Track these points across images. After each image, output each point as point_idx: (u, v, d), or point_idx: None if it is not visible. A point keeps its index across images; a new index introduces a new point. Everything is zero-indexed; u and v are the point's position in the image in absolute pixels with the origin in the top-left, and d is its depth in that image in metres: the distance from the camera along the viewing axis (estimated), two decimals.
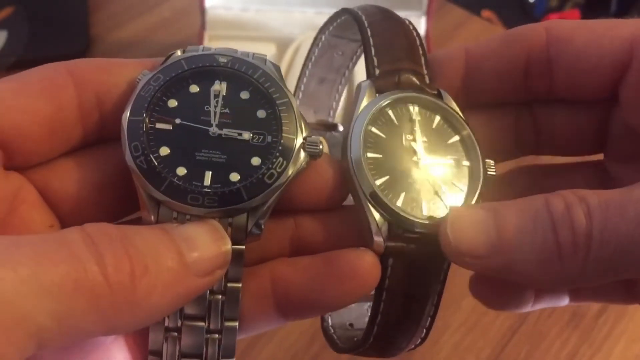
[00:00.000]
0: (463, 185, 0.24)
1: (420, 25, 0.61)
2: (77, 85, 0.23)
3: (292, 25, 0.59)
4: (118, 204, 0.24)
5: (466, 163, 0.24)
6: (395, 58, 0.25)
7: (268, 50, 0.59)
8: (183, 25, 0.68)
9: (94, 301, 0.17)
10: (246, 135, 0.22)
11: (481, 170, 0.24)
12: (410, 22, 0.27)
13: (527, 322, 0.49)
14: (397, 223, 0.23)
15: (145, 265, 0.17)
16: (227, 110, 0.23)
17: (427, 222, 0.23)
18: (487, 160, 0.24)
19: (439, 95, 0.25)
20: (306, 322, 0.48)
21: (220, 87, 0.23)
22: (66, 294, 0.16)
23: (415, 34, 0.26)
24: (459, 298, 0.50)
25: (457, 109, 0.25)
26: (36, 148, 0.23)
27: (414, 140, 0.24)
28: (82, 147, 0.24)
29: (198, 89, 0.23)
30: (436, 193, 0.23)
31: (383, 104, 0.24)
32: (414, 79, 0.25)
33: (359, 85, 0.25)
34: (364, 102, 0.24)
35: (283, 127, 0.23)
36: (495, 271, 0.21)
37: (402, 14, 0.60)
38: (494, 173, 0.24)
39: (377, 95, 0.24)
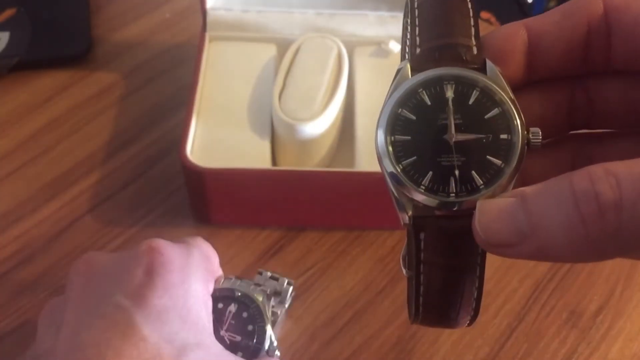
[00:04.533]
0: (498, 159, 0.23)
1: None
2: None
3: (293, 26, 0.60)
4: None
5: (504, 136, 0.23)
6: (439, 34, 0.24)
7: (269, 51, 0.59)
8: (184, 26, 0.68)
9: None
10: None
11: (520, 142, 0.23)
12: None
13: (526, 321, 0.49)
14: (423, 202, 0.23)
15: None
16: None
17: (454, 199, 0.22)
18: (532, 128, 0.24)
19: (483, 67, 0.24)
20: (306, 322, 0.48)
21: None
22: None
23: (470, 5, 0.25)
24: None
25: (503, 80, 0.24)
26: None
27: (448, 118, 0.23)
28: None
29: None
30: (468, 169, 0.23)
31: (414, 85, 0.24)
32: (456, 52, 0.24)
33: (398, 69, 0.24)
34: (397, 84, 0.24)
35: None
36: (529, 256, 0.21)
37: (401, 14, 0.61)
38: (539, 142, 0.23)
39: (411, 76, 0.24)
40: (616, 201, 0.18)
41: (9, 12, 0.67)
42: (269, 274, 0.45)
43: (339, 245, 0.52)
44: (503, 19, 1.40)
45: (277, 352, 0.41)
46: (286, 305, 0.45)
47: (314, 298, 0.49)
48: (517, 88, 0.25)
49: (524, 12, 1.51)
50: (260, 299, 0.41)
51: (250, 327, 0.40)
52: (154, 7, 0.71)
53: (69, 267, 0.37)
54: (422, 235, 0.23)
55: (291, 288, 0.45)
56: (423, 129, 0.23)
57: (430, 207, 0.23)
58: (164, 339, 0.31)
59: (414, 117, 0.23)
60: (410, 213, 0.23)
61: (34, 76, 0.63)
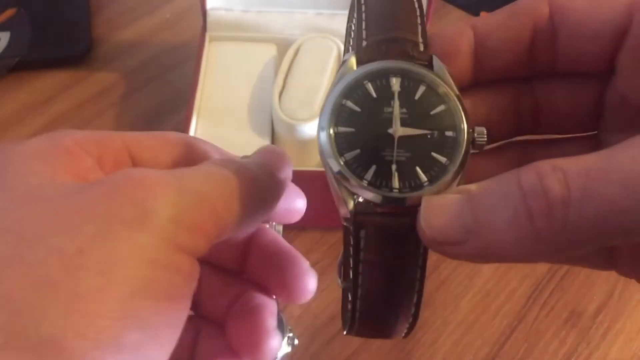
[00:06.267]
0: (443, 156, 0.22)
1: None
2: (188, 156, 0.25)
3: (293, 26, 0.60)
4: None
5: (449, 133, 0.23)
6: (386, 28, 0.24)
7: (269, 51, 0.59)
8: (184, 26, 0.68)
9: (232, 193, 0.21)
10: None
11: (465, 140, 0.22)
12: None
13: (525, 321, 0.49)
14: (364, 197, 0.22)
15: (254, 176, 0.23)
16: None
17: (397, 195, 0.22)
18: (477, 127, 0.23)
19: (430, 64, 0.23)
20: (306, 322, 0.48)
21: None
22: (230, 196, 0.21)
23: (416, 3, 0.25)
24: (457, 297, 0.51)
25: (449, 78, 0.23)
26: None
27: (393, 111, 0.23)
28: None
29: None
30: (411, 165, 0.22)
31: (359, 76, 0.23)
32: (403, 47, 0.23)
33: (343, 61, 0.24)
34: (342, 75, 0.23)
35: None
36: (475, 255, 0.20)
37: None
38: (484, 141, 0.23)
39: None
40: (564, 197, 0.18)
41: (9, 12, 0.67)
42: None
43: (339, 245, 0.52)
44: None
45: (296, 341, 0.45)
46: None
47: (314, 298, 0.49)
48: (464, 89, 0.25)
49: None
50: (274, 296, 0.43)
51: None
52: (154, 7, 0.71)
53: None
54: (362, 233, 0.22)
55: None
56: (367, 121, 0.23)
57: (373, 202, 0.22)
58: None
59: (358, 109, 0.23)
60: (351, 208, 0.22)
61: (34, 76, 0.63)
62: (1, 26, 0.65)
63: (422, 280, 0.23)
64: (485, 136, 0.23)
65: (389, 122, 0.22)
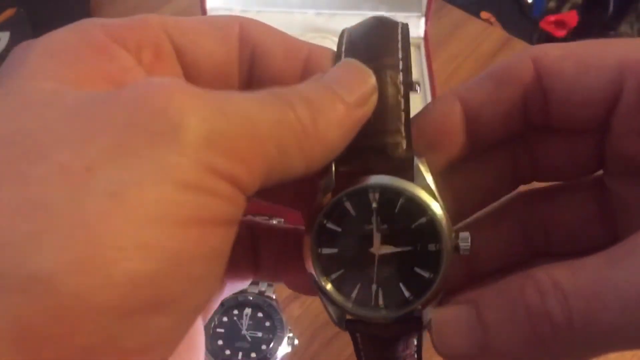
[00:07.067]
0: (426, 270, 0.23)
1: (420, 26, 0.61)
2: (241, 38, 0.22)
3: (293, 26, 0.60)
4: None
5: (432, 246, 0.22)
6: (368, 133, 0.22)
7: None
8: None
9: (296, 139, 0.19)
10: None
11: (448, 251, 0.22)
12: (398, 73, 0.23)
13: None
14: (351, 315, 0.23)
15: (319, 109, 0.20)
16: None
17: (382, 314, 0.23)
18: (461, 233, 0.23)
19: (410, 165, 0.23)
20: (306, 321, 0.48)
21: None
22: (284, 132, 0.18)
23: (402, 98, 0.23)
24: None
25: (430, 181, 0.23)
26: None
27: (373, 229, 0.23)
28: None
29: None
30: (395, 282, 0.23)
31: (339, 196, 0.22)
32: (384, 151, 0.23)
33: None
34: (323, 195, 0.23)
35: None
36: None
37: (401, 15, 0.61)
38: (467, 248, 0.23)
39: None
40: (567, 321, 0.19)
41: (9, 12, 0.67)
42: None
43: None
44: (503, 19, 1.41)
45: (296, 341, 0.47)
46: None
47: (314, 298, 0.49)
48: (458, 162, 0.24)
49: (524, 12, 1.51)
50: (274, 296, 0.48)
51: (267, 323, 0.47)
52: (154, 7, 0.71)
53: None
54: (358, 336, 0.24)
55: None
56: (349, 241, 0.23)
57: (361, 318, 0.23)
58: None
59: (339, 229, 0.23)
60: (341, 322, 0.23)
61: None
62: (1, 26, 0.65)
63: None
64: (469, 242, 0.23)
65: (370, 240, 0.23)
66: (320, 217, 0.22)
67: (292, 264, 0.25)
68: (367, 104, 0.21)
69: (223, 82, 0.23)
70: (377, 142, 0.22)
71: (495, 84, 0.24)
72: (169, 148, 0.15)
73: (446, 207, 0.22)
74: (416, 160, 0.23)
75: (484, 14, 1.39)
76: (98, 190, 0.15)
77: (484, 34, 0.72)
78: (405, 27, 0.24)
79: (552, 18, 1.42)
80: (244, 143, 0.17)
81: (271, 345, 0.46)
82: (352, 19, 0.63)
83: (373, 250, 0.23)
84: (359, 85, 0.21)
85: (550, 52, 0.23)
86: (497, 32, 0.73)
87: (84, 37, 0.19)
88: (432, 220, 0.22)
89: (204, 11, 0.59)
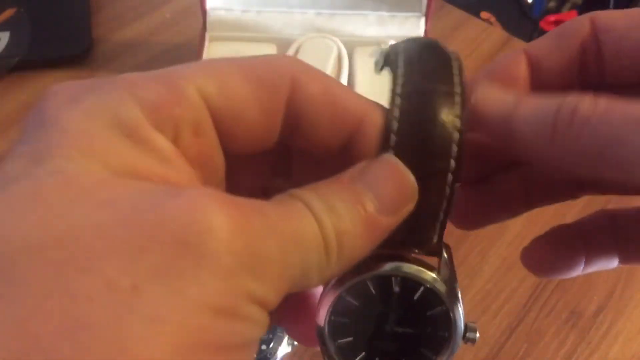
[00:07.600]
0: (431, 353, 0.24)
1: (420, 26, 0.61)
2: (288, 104, 0.21)
3: (293, 26, 0.60)
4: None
5: (442, 333, 0.24)
6: (400, 228, 0.21)
7: (269, 51, 0.59)
8: (184, 26, 0.68)
9: (320, 254, 0.18)
10: None
11: (456, 340, 0.24)
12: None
13: (526, 321, 0.49)
14: None
15: (345, 230, 0.19)
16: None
17: None
18: (470, 324, 0.24)
19: (436, 257, 0.23)
20: None
21: None
22: (307, 248, 0.18)
23: (440, 205, 0.22)
24: None
25: (454, 272, 0.24)
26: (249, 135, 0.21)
27: (390, 310, 0.24)
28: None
29: None
30: (397, 357, 0.24)
31: (363, 278, 0.23)
32: (418, 240, 0.23)
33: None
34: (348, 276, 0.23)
35: None
36: (498, 137, 0.23)
37: (401, 15, 0.61)
38: (474, 338, 0.24)
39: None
40: (587, 117, 0.20)
41: (9, 12, 0.67)
42: None
43: None
44: (503, 19, 1.41)
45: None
46: None
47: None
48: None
49: (524, 12, 1.51)
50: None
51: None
52: (154, 7, 0.71)
53: None
54: None
55: None
56: (363, 315, 0.24)
57: None
58: None
59: (356, 303, 0.24)
60: None
61: (34, 76, 0.63)
62: (1, 26, 0.65)
63: None
64: (477, 333, 0.24)
65: (384, 318, 0.24)
66: (341, 291, 0.23)
67: (300, 314, 0.25)
68: (401, 214, 0.21)
69: (258, 147, 0.22)
70: (409, 239, 0.23)
71: (556, 37, 0.26)
72: (213, 273, 0.15)
73: (462, 299, 0.24)
74: (445, 251, 0.24)
75: (484, 14, 1.39)
76: (142, 313, 0.14)
77: (484, 34, 0.72)
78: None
79: (552, 18, 1.42)
80: (277, 269, 0.17)
81: (271, 345, 0.46)
82: (353, 19, 0.63)
83: (386, 327, 0.24)
84: (398, 198, 0.20)
85: (604, 13, 0.25)
86: (497, 32, 0.73)
87: (117, 119, 0.18)
88: (448, 311, 0.23)
89: (203, 11, 0.59)
